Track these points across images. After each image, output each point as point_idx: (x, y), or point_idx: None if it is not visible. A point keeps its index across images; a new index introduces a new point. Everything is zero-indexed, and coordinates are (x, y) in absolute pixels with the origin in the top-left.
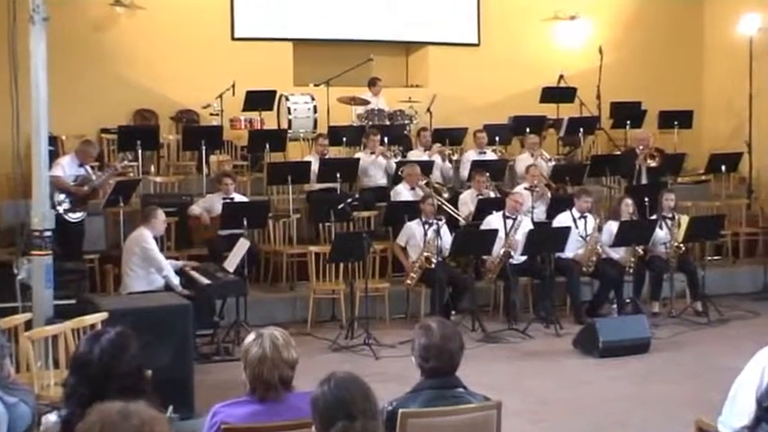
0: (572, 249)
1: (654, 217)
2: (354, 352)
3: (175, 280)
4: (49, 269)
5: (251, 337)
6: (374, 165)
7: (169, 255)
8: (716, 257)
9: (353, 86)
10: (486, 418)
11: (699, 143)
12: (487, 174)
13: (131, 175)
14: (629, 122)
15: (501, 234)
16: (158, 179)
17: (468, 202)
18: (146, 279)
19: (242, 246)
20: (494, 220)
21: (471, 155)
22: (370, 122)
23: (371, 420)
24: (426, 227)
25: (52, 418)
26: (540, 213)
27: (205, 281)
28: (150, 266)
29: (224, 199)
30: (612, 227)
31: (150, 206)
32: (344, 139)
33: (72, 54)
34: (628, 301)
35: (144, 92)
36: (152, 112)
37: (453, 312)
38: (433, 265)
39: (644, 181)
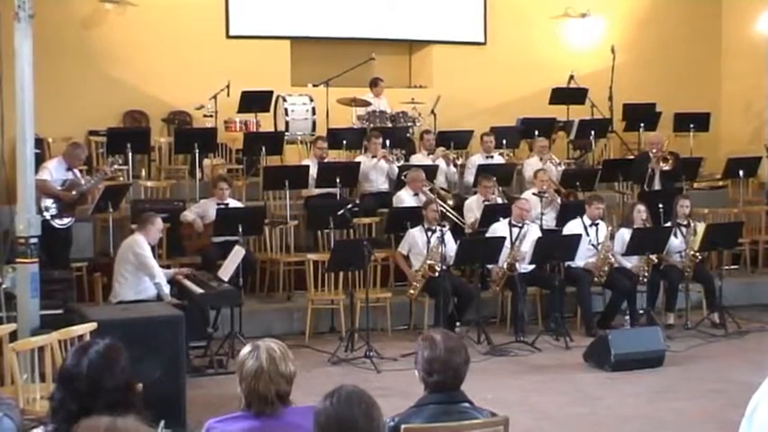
0: (583, 258)
1: (668, 224)
2: (354, 365)
3: (166, 289)
4: (34, 278)
5: (246, 349)
6: (375, 169)
7: (160, 263)
8: (733, 267)
9: (354, 87)
10: None
11: (716, 147)
12: (494, 179)
13: (121, 179)
14: (642, 125)
15: (507, 243)
16: (149, 184)
17: (473, 208)
18: (137, 287)
19: (237, 254)
20: (500, 228)
21: (477, 159)
22: (372, 125)
23: None
24: (429, 234)
25: None
26: (550, 220)
27: (198, 290)
28: (143, 274)
29: (218, 204)
30: (625, 234)
31: (149, 212)
32: (344, 142)
33: (59, 53)
34: (641, 312)
35: (134, 92)
36: (143, 114)
37: (458, 324)
38: (437, 274)
39: (657, 186)
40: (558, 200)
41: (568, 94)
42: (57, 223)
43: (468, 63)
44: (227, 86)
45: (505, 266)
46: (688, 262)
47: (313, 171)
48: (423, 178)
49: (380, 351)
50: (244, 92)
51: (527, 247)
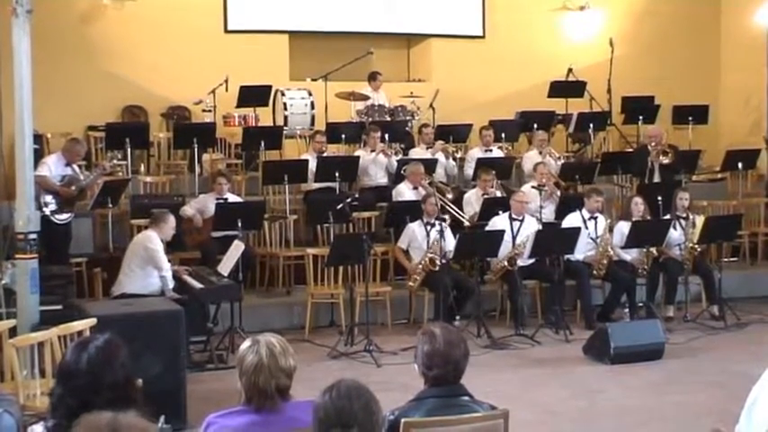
0: (582, 251)
1: (667, 217)
2: (354, 359)
3: (171, 284)
4: (34, 273)
5: (246, 344)
6: (374, 163)
7: None
8: (733, 259)
9: (353, 81)
10: (492, 428)
11: (715, 139)
12: (493, 172)
13: (120, 174)
14: (641, 118)
15: (507, 237)
16: (148, 179)
17: (472, 202)
18: (143, 281)
19: (236, 248)
20: (499, 222)
21: (476, 152)
22: (370, 119)
23: None
24: (428, 228)
25: (38, 429)
26: (549, 214)
27: (198, 285)
28: (152, 268)
29: (217, 199)
30: (624, 227)
31: (162, 210)
32: (343, 136)
33: (57, 48)
34: (641, 305)
35: (133, 87)
36: (141, 109)
37: (458, 318)
38: (437, 268)
39: (656, 179)
40: (558, 193)
41: (567, 88)
42: (56, 219)
43: (466, 57)
44: (226, 81)
45: (506, 262)
46: (687, 254)
47: (312, 165)
48: (422, 172)
49: (380, 345)
50: (242, 86)
51: (529, 245)
